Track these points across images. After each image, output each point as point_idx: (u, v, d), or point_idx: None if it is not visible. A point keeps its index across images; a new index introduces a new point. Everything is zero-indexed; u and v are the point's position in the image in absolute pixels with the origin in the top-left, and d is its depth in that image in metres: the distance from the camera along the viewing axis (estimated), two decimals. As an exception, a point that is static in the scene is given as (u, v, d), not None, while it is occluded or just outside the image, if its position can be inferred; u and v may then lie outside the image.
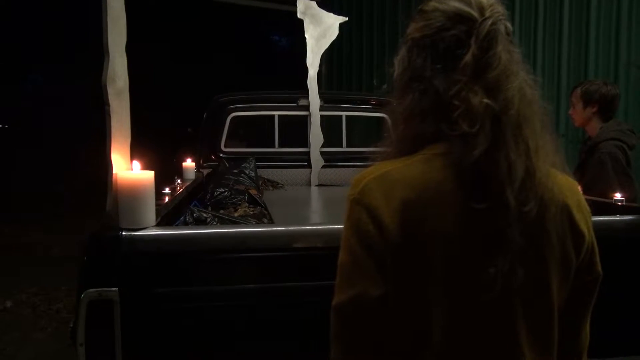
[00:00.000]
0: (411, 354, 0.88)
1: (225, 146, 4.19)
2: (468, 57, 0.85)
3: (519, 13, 6.24)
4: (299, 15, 4.31)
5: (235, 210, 2.72)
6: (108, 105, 1.59)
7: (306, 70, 4.26)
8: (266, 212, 2.51)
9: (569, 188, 0.93)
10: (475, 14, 0.87)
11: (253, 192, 3.08)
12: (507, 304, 0.86)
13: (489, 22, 0.86)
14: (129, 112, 1.64)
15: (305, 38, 4.29)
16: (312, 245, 1.57)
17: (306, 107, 4.27)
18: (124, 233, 1.52)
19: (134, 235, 1.53)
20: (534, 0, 6.04)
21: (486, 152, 0.82)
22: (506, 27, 0.89)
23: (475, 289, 0.84)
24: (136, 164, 1.61)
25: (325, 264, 1.61)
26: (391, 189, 0.87)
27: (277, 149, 4.30)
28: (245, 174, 3.60)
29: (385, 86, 7.95)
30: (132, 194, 1.55)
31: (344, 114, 4.40)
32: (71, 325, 1.56)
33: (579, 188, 0.98)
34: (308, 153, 4.27)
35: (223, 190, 2.89)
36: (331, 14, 4.36)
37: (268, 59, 15.52)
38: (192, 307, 1.56)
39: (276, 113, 4.29)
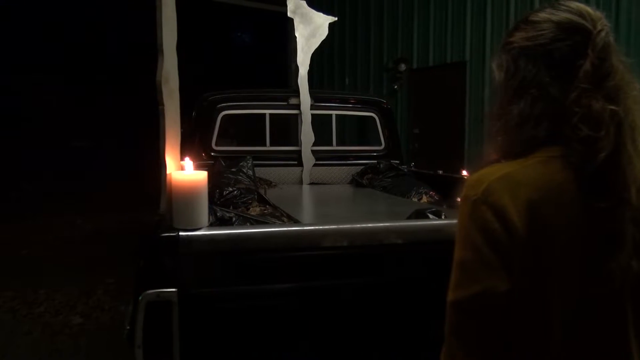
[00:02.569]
0: (531, 351, 0.93)
1: (216, 145, 4.16)
2: (587, 66, 0.91)
3: (491, 17, 6.47)
4: (289, 14, 4.33)
5: (247, 209, 2.72)
6: (162, 105, 1.58)
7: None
8: (284, 212, 2.52)
9: None
10: (589, 25, 0.94)
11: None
12: (620, 299, 0.93)
13: (603, 33, 0.93)
14: (179, 112, 1.63)
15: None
16: (372, 243, 1.62)
17: (297, 106, 4.29)
18: (181, 234, 1.52)
19: (191, 235, 1.53)
20: (505, 5, 6.28)
21: (610, 155, 0.88)
22: (614, 39, 0.96)
23: (596, 284, 0.91)
24: (189, 164, 1.60)
25: (383, 261, 1.67)
26: (516, 189, 0.92)
27: (268, 148, 4.30)
28: (243, 172, 3.59)
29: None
30: (187, 194, 1.55)
31: (333, 112, 4.45)
32: (127, 327, 1.55)
33: None
34: (299, 151, 4.29)
35: (232, 189, 2.88)
36: (321, 14, 4.40)
37: (241, 56, 15.42)
38: (248, 306, 1.58)
39: (267, 112, 4.29)
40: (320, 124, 4.50)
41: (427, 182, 3.67)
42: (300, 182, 4.26)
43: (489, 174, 0.96)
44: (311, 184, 4.24)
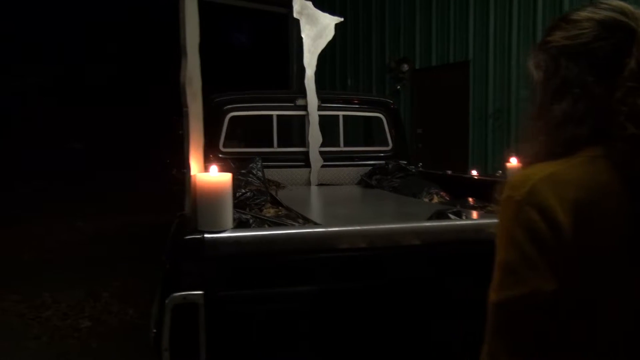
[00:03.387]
0: (575, 353, 0.92)
1: (224, 146, 4.16)
2: (633, 64, 0.90)
3: (494, 16, 6.48)
4: (295, 15, 4.33)
5: (261, 211, 2.71)
6: (186, 107, 1.57)
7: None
8: (299, 214, 2.51)
9: None
10: (632, 23, 0.93)
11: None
12: None
13: None
14: (202, 114, 1.63)
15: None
16: (398, 244, 1.61)
17: (304, 107, 4.29)
18: (206, 236, 1.51)
19: (216, 237, 1.52)
20: (508, 3, 6.29)
21: None
22: None
23: None
24: (213, 167, 1.60)
25: (408, 262, 1.66)
26: (562, 189, 0.91)
27: (275, 149, 4.29)
28: (253, 174, 3.58)
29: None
30: (212, 196, 1.54)
31: (340, 113, 4.44)
32: (154, 330, 1.54)
33: None
34: (306, 153, 4.29)
35: (244, 191, 2.87)
36: (327, 14, 4.40)
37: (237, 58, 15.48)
38: (274, 309, 1.57)
39: (274, 113, 4.29)
40: (326, 125, 4.50)
41: (436, 183, 3.66)
42: (308, 184, 4.26)
43: (532, 174, 0.95)
44: (319, 185, 4.24)
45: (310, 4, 4.33)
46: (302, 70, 4.34)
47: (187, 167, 1.59)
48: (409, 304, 1.62)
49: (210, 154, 4.06)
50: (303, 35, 4.32)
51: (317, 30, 4.36)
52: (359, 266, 1.61)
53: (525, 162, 1.04)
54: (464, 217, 1.93)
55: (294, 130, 4.45)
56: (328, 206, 3.16)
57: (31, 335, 3.85)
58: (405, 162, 4.26)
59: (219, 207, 1.54)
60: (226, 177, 1.56)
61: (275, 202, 2.89)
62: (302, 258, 1.59)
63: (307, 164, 4.28)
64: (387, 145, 4.49)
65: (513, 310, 0.92)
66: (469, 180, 3.59)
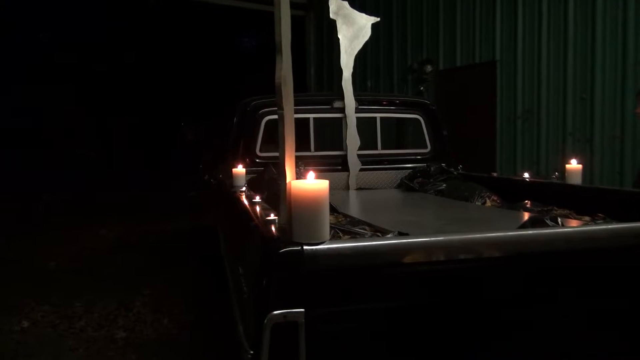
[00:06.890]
0: None
1: (260, 151, 4.06)
2: None
3: (522, 15, 6.36)
4: (331, 16, 4.22)
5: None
6: (281, 108, 1.46)
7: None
8: (363, 221, 2.40)
9: None
10: None
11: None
12: None
13: None
14: (293, 116, 1.52)
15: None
16: (507, 254, 1.49)
17: (341, 110, 4.18)
18: (305, 248, 1.40)
19: (316, 250, 1.41)
20: (537, 2, 6.17)
21: None
22: None
23: None
24: (311, 174, 1.49)
25: (518, 272, 1.54)
26: None
27: (312, 153, 4.19)
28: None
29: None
30: (309, 205, 1.43)
31: (378, 115, 4.34)
32: (251, 352, 1.42)
33: None
34: (343, 156, 4.18)
35: (298, 197, 2.75)
36: (363, 15, 4.29)
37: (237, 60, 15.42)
38: (378, 326, 1.45)
39: (311, 116, 4.19)
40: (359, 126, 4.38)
41: (481, 185, 3.53)
42: (346, 188, 4.15)
43: None
44: (358, 189, 4.13)
45: (346, 4, 4.22)
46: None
47: (282, 173, 1.48)
48: (524, 317, 1.51)
49: (247, 159, 3.98)
50: (340, 36, 4.22)
51: (353, 31, 4.25)
52: (469, 278, 1.49)
53: None
54: (561, 225, 1.81)
55: (331, 132, 4.34)
56: (384, 212, 3.04)
57: (67, 347, 3.74)
58: (444, 165, 4.14)
59: (316, 217, 1.43)
60: (324, 185, 1.45)
61: (331, 209, 2.77)
62: (405, 271, 1.47)
63: (345, 168, 4.18)
64: (426, 147, 4.38)
65: None
66: (518, 183, 3.46)
